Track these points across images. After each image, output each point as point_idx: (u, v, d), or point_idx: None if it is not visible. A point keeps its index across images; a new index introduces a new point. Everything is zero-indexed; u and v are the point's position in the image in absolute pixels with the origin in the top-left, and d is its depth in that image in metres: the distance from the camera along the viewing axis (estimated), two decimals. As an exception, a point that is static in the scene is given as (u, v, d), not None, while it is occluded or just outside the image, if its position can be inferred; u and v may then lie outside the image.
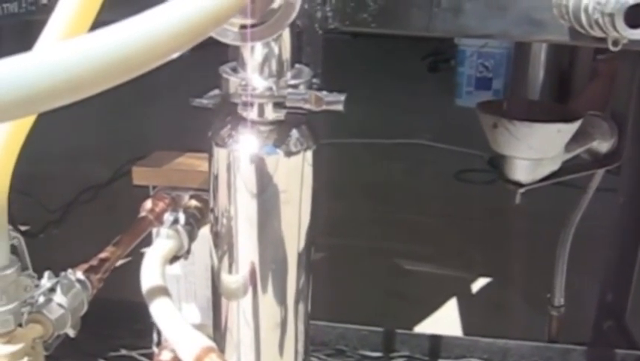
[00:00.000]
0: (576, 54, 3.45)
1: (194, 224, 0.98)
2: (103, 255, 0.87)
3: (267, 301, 0.79)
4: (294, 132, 0.73)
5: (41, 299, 0.74)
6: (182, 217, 0.96)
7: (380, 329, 1.41)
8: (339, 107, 0.68)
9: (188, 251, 0.98)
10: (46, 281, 0.74)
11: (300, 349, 0.85)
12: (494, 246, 2.15)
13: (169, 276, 1.14)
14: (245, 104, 0.69)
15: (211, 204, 0.78)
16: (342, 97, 0.68)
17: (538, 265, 1.95)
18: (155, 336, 1.19)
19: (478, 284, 1.89)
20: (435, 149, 2.99)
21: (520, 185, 1.24)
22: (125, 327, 1.33)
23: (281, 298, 0.79)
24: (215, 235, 0.79)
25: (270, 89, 0.68)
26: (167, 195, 1.05)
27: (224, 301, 0.82)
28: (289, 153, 0.72)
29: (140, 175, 1.09)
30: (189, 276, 1.15)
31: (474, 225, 2.31)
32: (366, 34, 4.49)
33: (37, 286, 0.69)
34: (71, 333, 0.78)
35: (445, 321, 1.64)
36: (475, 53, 3.96)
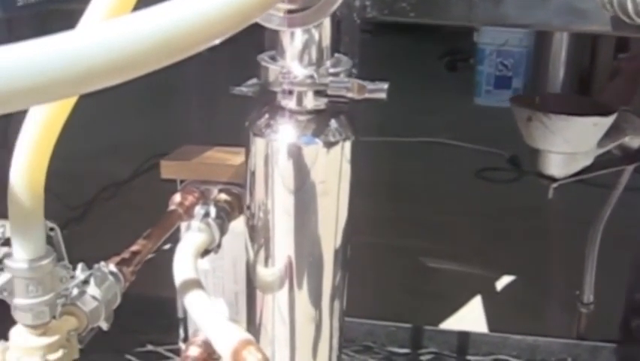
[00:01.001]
0: (596, 52, 3.42)
1: (224, 218, 0.97)
2: (134, 248, 0.85)
3: (303, 295, 0.77)
4: (333, 122, 0.72)
5: (75, 291, 0.73)
6: (213, 210, 0.95)
7: (408, 326, 1.40)
8: (382, 96, 0.66)
9: (219, 245, 0.97)
10: (79, 273, 0.73)
11: (335, 345, 0.84)
12: (517, 244, 2.13)
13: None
14: (284, 93, 0.68)
15: (247, 196, 0.77)
16: (385, 85, 0.66)
17: (562, 262, 1.94)
18: (181, 332, 1.18)
19: (502, 282, 1.87)
20: (455, 147, 2.96)
21: (553, 180, 1.22)
22: (151, 323, 1.32)
23: (317, 293, 0.78)
24: (252, 228, 0.78)
25: (312, 77, 0.67)
26: (196, 188, 1.04)
27: (259, 295, 0.80)
28: (328, 144, 0.71)
29: (169, 169, 1.08)
30: (217, 270, 1.13)
31: (496, 223, 2.29)
32: (385, 33, 4.48)
33: (72, 277, 0.68)
34: (104, 326, 0.77)
35: (470, 318, 1.62)
36: (494, 52, 3.93)
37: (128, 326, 1.26)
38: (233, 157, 1.10)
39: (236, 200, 1.03)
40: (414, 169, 2.68)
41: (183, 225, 1.02)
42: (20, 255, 0.63)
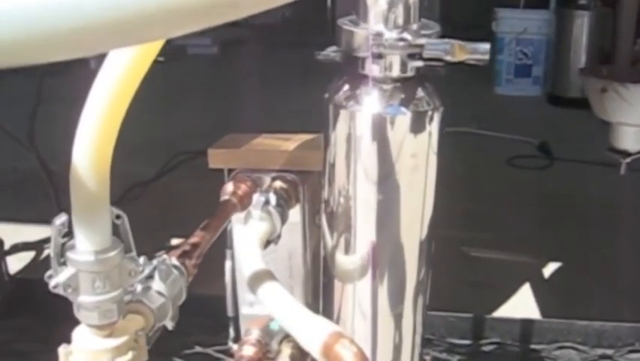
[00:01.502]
0: (617, 37, 3.33)
1: (284, 206, 0.90)
2: (193, 240, 0.78)
3: (387, 285, 0.70)
4: (420, 91, 0.65)
5: (139, 287, 0.66)
6: (273, 198, 0.88)
7: (469, 315, 1.32)
8: (485, 57, 0.59)
9: (279, 235, 0.90)
10: (142, 267, 0.65)
11: (418, 341, 0.77)
12: (559, 230, 2.06)
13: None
14: (371, 59, 0.61)
15: (325, 176, 0.70)
16: (487, 45, 0.59)
17: (604, 248, 1.87)
18: (231, 331, 1.11)
19: (550, 269, 1.80)
20: (483, 136, 2.89)
21: (627, 154, 1.14)
22: (196, 323, 1.25)
23: (401, 281, 0.71)
24: (330, 210, 0.70)
25: (404, 39, 0.59)
26: (248, 177, 0.97)
27: (337, 286, 0.73)
28: (417, 114, 0.64)
29: (217, 158, 1.01)
30: (270, 264, 1.05)
31: (535, 210, 2.22)
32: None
33: (141, 271, 0.60)
34: (170, 325, 0.70)
35: (524, 307, 1.54)
36: (513, 40, 3.85)
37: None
38: (285, 143, 1.03)
39: (293, 188, 0.96)
40: (445, 159, 2.61)
41: (233, 219, 0.95)
42: (85, 246, 0.56)
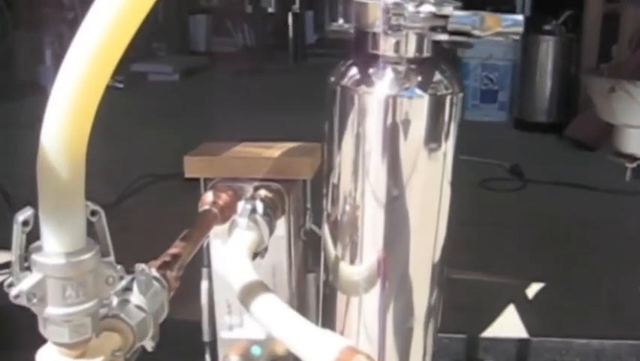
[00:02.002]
0: (581, 61, 3.32)
1: (272, 215, 0.81)
2: (173, 250, 0.69)
3: (399, 291, 0.62)
4: (438, 74, 0.57)
5: (114, 300, 0.57)
6: (260, 206, 0.79)
7: (462, 336, 1.25)
8: (519, 29, 0.52)
9: (266, 248, 0.81)
10: (121, 274, 0.56)
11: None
12: (534, 250, 2.02)
13: (228, 284, 0.96)
14: (390, 31, 0.53)
15: (330, 168, 0.61)
16: (520, 17, 0.52)
17: (585, 265, 1.84)
18: (207, 358, 1.01)
19: (530, 289, 1.74)
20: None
21: (633, 158, 1.09)
22: (167, 351, 1.14)
23: (415, 286, 0.63)
24: (336, 206, 0.62)
25: (425, 10, 0.52)
26: (228, 187, 0.88)
27: (340, 300, 0.64)
28: (435, 98, 0.56)
29: (194, 166, 0.92)
30: (253, 283, 0.97)
31: (509, 231, 2.17)
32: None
33: (121, 278, 0.51)
34: (149, 346, 0.60)
35: (510, 326, 1.47)
36: (479, 66, 3.85)
37: (145, 356, 1.09)
38: (268, 151, 0.94)
39: (279, 197, 0.88)
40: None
41: (212, 232, 0.86)
42: (54, 247, 0.47)
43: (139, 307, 0.57)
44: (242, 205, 0.79)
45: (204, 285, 0.97)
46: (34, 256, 0.47)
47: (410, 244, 0.60)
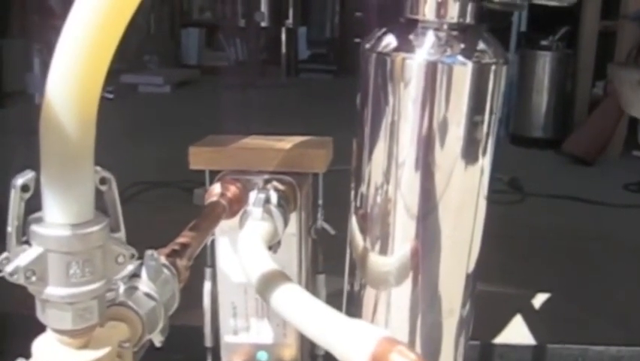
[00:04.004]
0: (577, 78, 3.31)
1: (285, 207, 0.76)
2: (182, 239, 0.63)
3: (432, 287, 0.56)
4: (481, 43, 0.52)
5: (120, 288, 0.50)
6: (273, 196, 0.73)
7: (476, 343, 1.19)
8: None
9: (279, 242, 0.75)
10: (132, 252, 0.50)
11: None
12: (536, 262, 1.98)
13: (234, 285, 0.90)
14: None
15: (361, 143, 0.56)
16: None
17: (586, 278, 1.80)
18: (210, 364, 0.95)
19: (534, 299, 1.70)
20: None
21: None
22: (169, 357, 1.07)
23: (459, 273, 0.57)
24: (368, 181, 0.56)
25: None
26: (236, 179, 0.82)
27: (368, 295, 0.59)
28: (480, 66, 0.51)
29: (199, 157, 0.86)
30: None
31: (512, 243, 2.13)
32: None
33: (132, 256, 0.45)
34: (158, 341, 0.54)
35: (521, 334, 1.42)
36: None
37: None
38: (278, 143, 0.88)
39: (291, 190, 0.82)
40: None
41: (218, 229, 0.80)
42: (58, 217, 0.40)
43: (148, 295, 0.51)
44: (254, 195, 0.73)
45: (207, 286, 0.91)
46: (34, 227, 0.41)
47: (455, 215, 0.55)
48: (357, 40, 5.43)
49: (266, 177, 0.83)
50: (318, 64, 5.83)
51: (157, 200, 2.25)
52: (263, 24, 5.47)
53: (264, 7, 5.49)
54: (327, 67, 5.77)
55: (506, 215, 2.41)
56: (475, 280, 0.60)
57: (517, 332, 1.44)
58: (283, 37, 5.57)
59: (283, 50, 5.61)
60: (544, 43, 3.44)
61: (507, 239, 2.12)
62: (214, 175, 0.85)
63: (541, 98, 3.51)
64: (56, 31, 0.37)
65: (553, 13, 3.62)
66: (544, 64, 3.46)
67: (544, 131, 3.49)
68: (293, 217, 0.84)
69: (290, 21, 5.62)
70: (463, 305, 0.58)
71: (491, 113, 0.52)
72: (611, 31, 3.41)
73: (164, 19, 5.23)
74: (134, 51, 4.51)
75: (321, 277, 0.91)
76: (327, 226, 0.89)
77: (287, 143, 0.89)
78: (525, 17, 3.88)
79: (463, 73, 0.50)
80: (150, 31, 4.93)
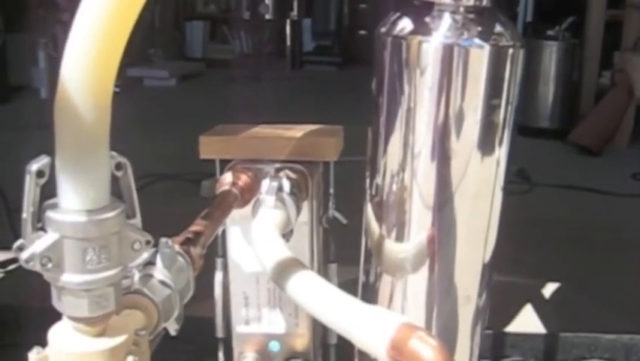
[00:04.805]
0: (583, 68, 3.30)
1: (298, 195, 0.75)
2: (195, 228, 0.63)
3: (448, 274, 0.56)
4: (498, 26, 0.52)
5: (136, 275, 0.50)
6: (286, 184, 0.73)
7: (488, 332, 1.18)
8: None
9: (292, 231, 0.75)
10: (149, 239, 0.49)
11: (476, 351, 0.62)
12: (547, 252, 1.97)
13: (245, 274, 0.90)
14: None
15: (376, 129, 0.55)
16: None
17: (597, 268, 1.79)
18: (221, 356, 0.95)
19: (544, 289, 1.69)
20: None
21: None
22: (176, 349, 1.07)
23: (476, 259, 0.57)
24: (383, 169, 0.56)
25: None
26: (248, 168, 0.82)
27: (384, 283, 0.58)
28: (497, 49, 0.51)
29: (210, 146, 0.85)
30: (272, 273, 0.90)
31: (521, 232, 2.12)
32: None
33: (148, 243, 0.45)
34: (173, 329, 0.54)
35: (535, 322, 1.41)
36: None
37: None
38: (289, 132, 0.88)
39: (302, 179, 0.81)
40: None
41: (229, 219, 0.79)
42: (73, 203, 0.40)
43: (163, 283, 0.51)
44: (267, 183, 0.72)
45: (218, 276, 0.90)
46: (50, 213, 0.40)
47: (471, 202, 0.54)
48: (362, 32, 5.41)
49: (277, 165, 0.82)
50: (323, 56, 5.81)
51: (164, 192, 2.25)
52: (267, 16, 5.45)
53: (268, -1, 5.48)
54: (331, 59, 5.76)
55: (515, 205, 2.41)
56: (491, 269, 0.59)
57: (528, 321, 1.43)
58: (288, 29, 5.56)
59: (288, 42, 5.59)
60: (550, 33, 3.42)
61: (516, 229, 2.12)
62: (223, 165, 0.85)
63: (548, 89, 3.49)
64: (62, 25, 0.36)
65: (559, 2, 3.60)
66: (551, 54, 3.44)
67: (550, 122, 3.47)
68: (305, 206, 0.83)
69: (294, 13, 5.60)
70: (480, 294, 0.57)
71: (508, 98, 0.52)
72: (617, 20, 3.39)
73: (169, 13, 5.22)
74: (138, 45, 4.50)
75: (333, 266, 0.90)
76: (338, 215, 0.89)
77: (297, 131, 0.88)
78: (531, 7, 3.86)
79: (481, 56, 0.49)
80: (155, 24, 4.91)
